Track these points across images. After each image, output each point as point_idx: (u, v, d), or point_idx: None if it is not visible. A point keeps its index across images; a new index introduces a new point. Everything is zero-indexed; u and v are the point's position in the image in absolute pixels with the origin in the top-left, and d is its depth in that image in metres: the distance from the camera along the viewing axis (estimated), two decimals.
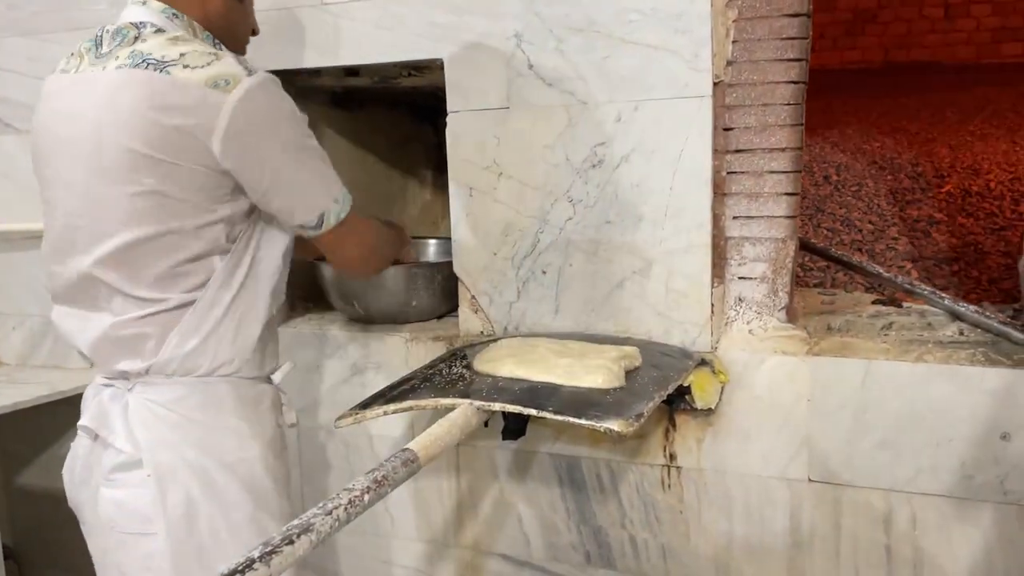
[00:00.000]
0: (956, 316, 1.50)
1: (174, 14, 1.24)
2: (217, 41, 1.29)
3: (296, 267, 1.44)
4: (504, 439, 1.58)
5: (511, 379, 1.32)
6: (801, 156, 1.52)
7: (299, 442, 1.89)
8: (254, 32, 1.42)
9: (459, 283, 1.74)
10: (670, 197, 1.53)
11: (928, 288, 1.54)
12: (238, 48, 1.36)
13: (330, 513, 0.88)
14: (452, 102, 1.67)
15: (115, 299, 1.21)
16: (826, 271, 2.18)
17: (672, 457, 1.60)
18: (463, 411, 1.19)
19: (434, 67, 1.74)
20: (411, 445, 1.05)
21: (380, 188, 2.38)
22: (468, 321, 1.74)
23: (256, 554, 0.78)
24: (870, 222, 2.43)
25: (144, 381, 1.24)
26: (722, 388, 1.52)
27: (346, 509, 0.90)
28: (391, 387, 1.40)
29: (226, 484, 1.24)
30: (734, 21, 1.47)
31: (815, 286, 2.14)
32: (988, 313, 1.45)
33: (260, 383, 1.33)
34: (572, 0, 1.54)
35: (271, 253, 1.30)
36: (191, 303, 1.21)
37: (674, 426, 1.59)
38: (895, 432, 1.44)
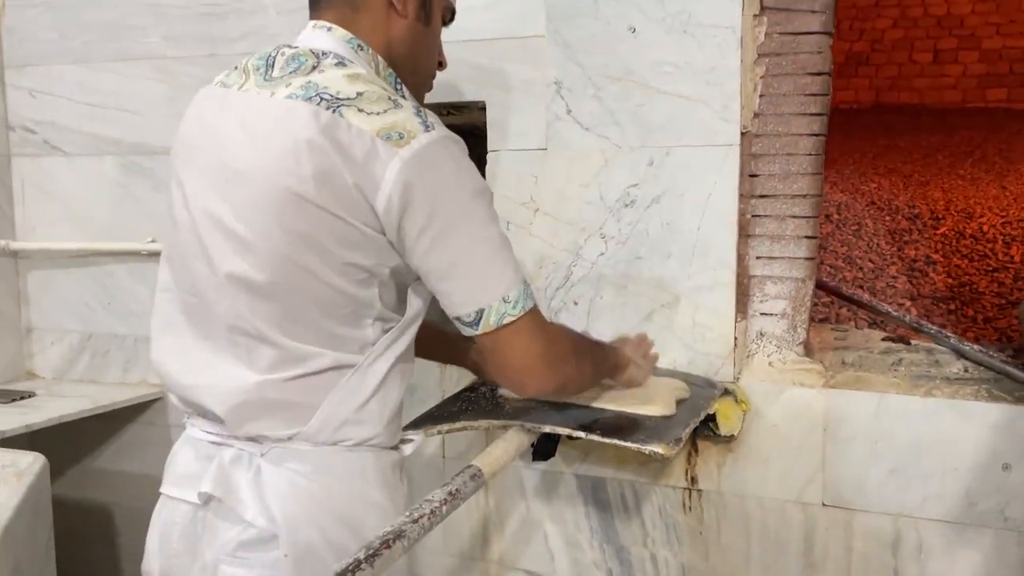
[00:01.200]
0: (961, 354, 1.61)
1: (360, 45, 1.12)
2: (400, 82, 1.17)
3: None
4: (534, 460, 1.67)
5: (555, 403, 1.41)
6: (820, 202, 1.64)
7: None
8: (441, 66, 1.30)
9: None
10: (698, 237, 1.64)
11: (935, 327, 1.66)
12: (421, 84, 1.25)
13: (416, 521, 0.97)
14: (492, 141, 1.78)
15: (262, 350, 1.07)
16: (830, 307, 2.30)
17: (694, 480, 1.70)
18: (516, 432, 1.28)
19: (473, 107, 1.85)
20: (476, 462, 1.15)
21: None
22: None
23: (361, 556, 0.88)
24: (870, 260, 2.56)
25: (284, 447, 1.09)
26: (743, 416, 1.63)
27: (429, 518, 0.99)
28: (439, 407, 1.50)
29: None
30: (762, 77, 1.59)
31: (821, 321, 2.26)
32: (991, 352, 1.57)
33: (393, 451, 1.19)
34: (611, 51, 1.66)
35: (420, 320, 1.17)
36: (341, 368, 1.08)
37: (696, 451, 1.69)
38: (904, 461, 1.55)
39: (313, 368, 1.07)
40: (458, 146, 1.05)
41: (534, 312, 1.09)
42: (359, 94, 1.02)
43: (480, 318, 1.04)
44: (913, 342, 1.72)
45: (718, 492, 1.68)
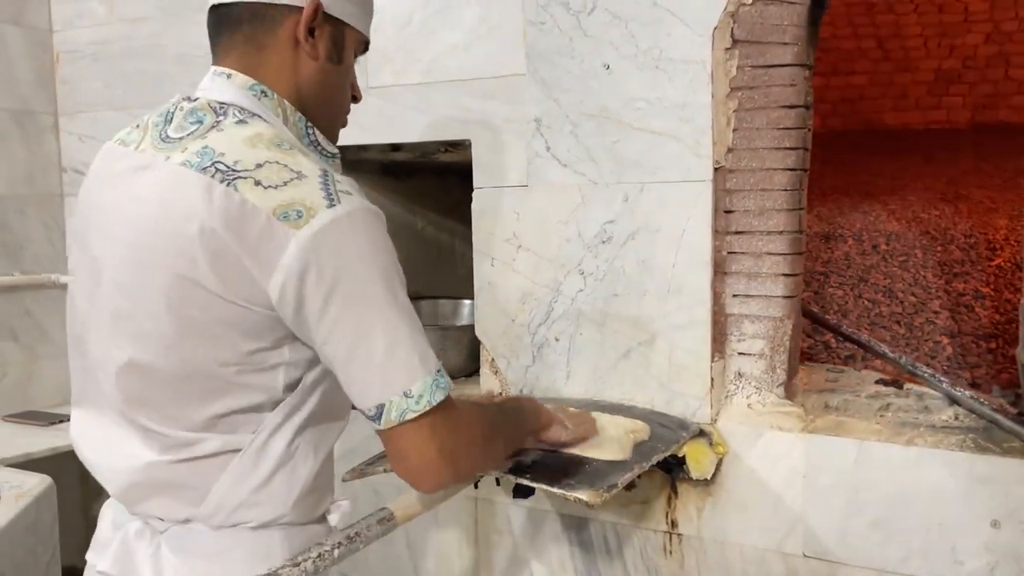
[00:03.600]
0: (953, 400, 1.51)
1: (263, 91, 1.03)
2: (311, 127, 1.08)
3: None
4: (515, 497, 1.67)
5: None
6: (801, 239, 1.58)
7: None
8: (356, 99, 1.18)
9: (481, 346, 1.85)
10: (672, 274, 1.61)
11: (928, 370, 1.56)
12: (335, 121, 1.16)
13: (298, 565, 0.99)
14: (478, 179, 1.81)
15: (149, 436, 1.00)
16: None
17: (674, 524, 1.65)
18: None
19: (467, 145, 1.88)
20: (390, 505, 1.16)
21: (429, 250, 2.54)
22: (488, 382, 1.85)
23: None
24: (913, 294, 2.42)
25: (182, 527, 1.03)
26: (720, 460, 1.57)
27: (314, 562, 1.01)
28: None
29: None
30: (735, 111, 1.55)
31: (847, 357, 2.15)
32: (982, 399, 1.46)
33: (314, 525, 1.09)
34: (587, 89, 1.66)
35: (315, 392, 1.03)
36: (233, 451, 0.99)
37: (676, 494, 1.64)
38: (887, 513, 1.46)
39: (201, 452, 0.99)
40: (367, 221, 0.94)
41: (442, 406, 0.97)
42: (259, 165, 0.93)
43: (381, 413, 0.94)
44: (906, 386, 1.62)
45: (698, 537, 1.63)
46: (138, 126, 1.06)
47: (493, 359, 1.83)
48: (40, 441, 2.06)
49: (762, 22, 1.51)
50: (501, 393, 1.83)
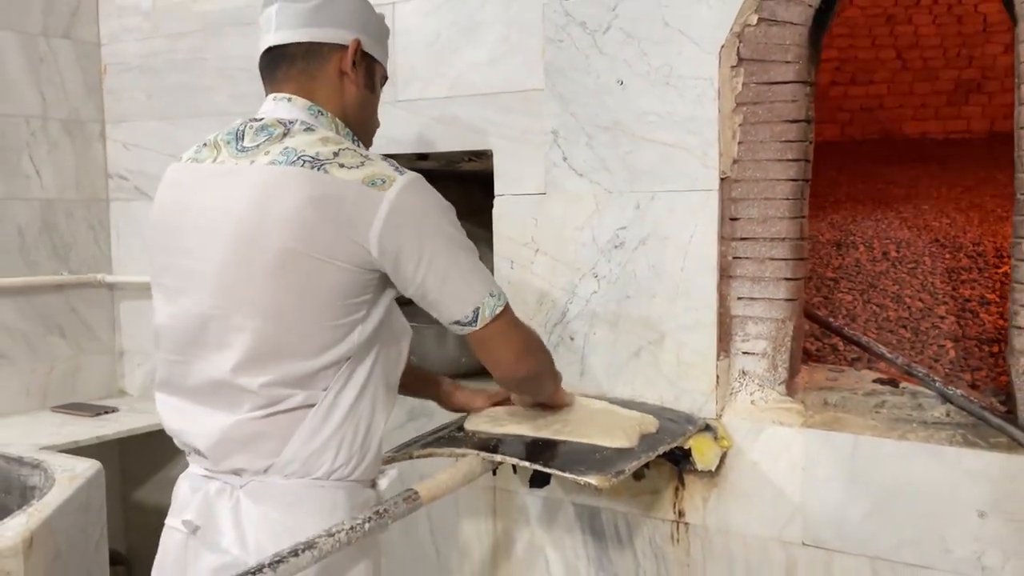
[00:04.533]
0: (946, 398, 1.59)
1: (319, 111, 1.26)
2: (356, 139, 1.31)
3: None
4: (531, 487, 1.77)
5: (519, 436, 1.51)
6: (802, 245, 1.67)
7: None
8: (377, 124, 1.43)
9: None
10: (681, 278, 1.71)
11: (923, 370, 1.65)
12: (370, 137, 1.40)
13: (332, 535, 1.10)
14: (498, 187, 1.92)
15: (242, 398, 1.18)
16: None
17: (681, 514, 1.75)
18: (469, 461, 1.40)
19: (488, 155, 1.99)
20: (416, 486, 1.27)
21: None
22: None
23: (267, 561, 1.02)
24: (920, 300, 2.49)
25: (260, 480, 1.20)
26: (724, 453, 1.67)
27: (347, 534, 1.12)
28: (424, 435, 1.63)
29: None
30: (740, 125, 1.65)
31: (853, 360, 2.23)
32: (973, 398, 1.55)
33: (368, 488, 1.29)
34: (601, 103, 1.77)
35: (392, 354, 1.28)
36: (312, 405, 1.19)
37: (683, 484, 1.74)
38: (880, 504, 1.54)
39: (285, 407, 1.18)
40: (424, 181, 1.21)
41: (508, 305, 1.26)
42: (335, 154, 1.16)
43: (477, 316, 1.21)
44: (902, 385, 1.70)
45: (704, 527, 1.72)
46: (205, 145, 1.26)
47: None
48: (86, 430, 2.20)
49: (766, 42, 1.61)
50: None
